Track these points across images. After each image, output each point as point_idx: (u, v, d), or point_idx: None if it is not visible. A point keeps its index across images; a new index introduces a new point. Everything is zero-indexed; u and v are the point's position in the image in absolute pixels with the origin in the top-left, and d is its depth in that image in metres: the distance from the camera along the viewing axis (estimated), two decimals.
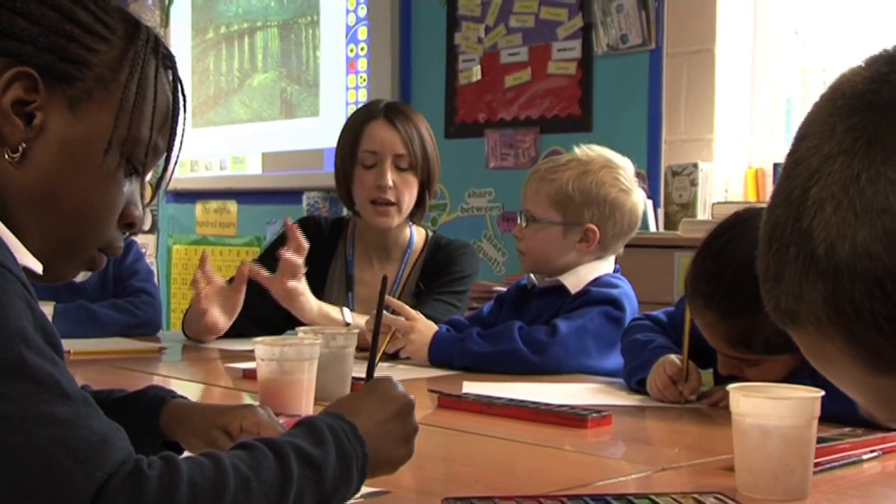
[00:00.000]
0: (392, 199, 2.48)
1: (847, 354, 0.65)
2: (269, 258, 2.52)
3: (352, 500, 1.15)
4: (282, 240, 2.57)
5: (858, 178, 0.62)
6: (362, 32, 4.63)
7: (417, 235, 2.63)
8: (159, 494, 0.81)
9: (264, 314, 2.53)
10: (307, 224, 2.64)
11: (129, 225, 1.06)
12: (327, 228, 2.66)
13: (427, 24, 4.44)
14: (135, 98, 1.01)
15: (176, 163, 1.08)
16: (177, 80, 1.08)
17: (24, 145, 0.96)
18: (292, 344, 1.63)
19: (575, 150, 2.26)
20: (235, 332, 2.40)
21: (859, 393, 0.68)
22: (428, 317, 2.31)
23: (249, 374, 1.90)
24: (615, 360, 2.13)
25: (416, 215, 2.57)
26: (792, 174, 0.66)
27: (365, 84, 4.62)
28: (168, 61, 1.06)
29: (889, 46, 0.67)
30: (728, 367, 1.68)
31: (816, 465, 1.22)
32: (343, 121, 2.72)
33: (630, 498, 1.13)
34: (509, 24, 4.17)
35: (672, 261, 3.18)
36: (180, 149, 1.08)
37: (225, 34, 5.26)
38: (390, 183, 2.47)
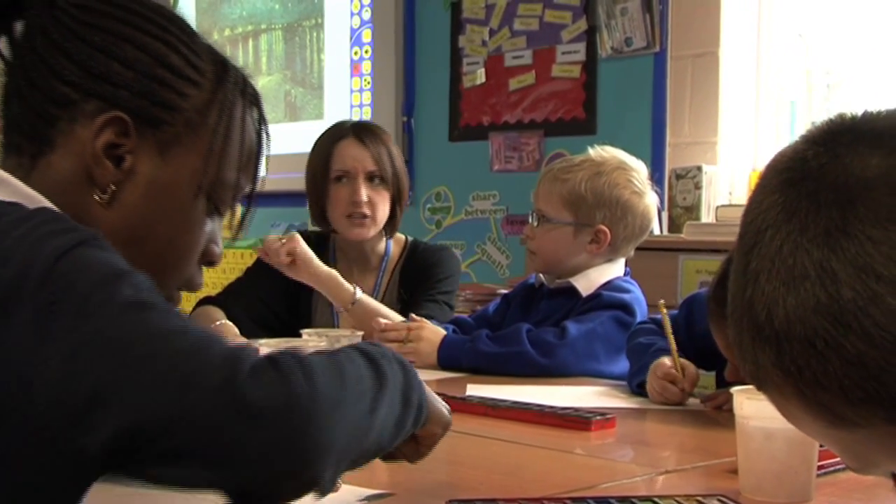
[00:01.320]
0: (367, 212, 2.53)
1: (805, 412, 0.70)
2: (257, 271, 2.59)
3: (356, 501, 1.15)
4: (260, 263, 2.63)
5: (781, 249, 0.68)
6: (366, 35, 4.64)
7: (394, 244, 2.68)
8: (298, 365, 0.84)
9: (271, 317, 2.56)
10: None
11: (210, 262, 1.09)
12: (314, 242, 2.69)
13: (431, 27, 4.44)
14: (223, 141, 1.03)
15: (257, 199, 1.10)
16: (262, 119, 1.09)
17: (113, 187, 0.98)
18: (295, 346, 1.64)
19: (589, 151, 2.26)
20: (243, 335, 2.41)
21: (829, 446, 0.74)
22: (429, 317, 2.33)
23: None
24: (624, 364, 2.13)
25: (389, 228, 2.61)
26: (739, 247, 0.73)
27: (369, 87, 4.63)
28: (254, 100, 1.08)
29: (822, 120, 0.74)
30: (736, 374, 1.68)
31: (820, 467, 1.22)
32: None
33: (633, 500, 1.13)
34: (513, 27, 4.17)
35: (676, 264, 3.18)
36: (262, 186, 1.11)
37: (229, 37, 5.26)
38: (365, 198, 2.52)
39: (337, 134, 2.60)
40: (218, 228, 1.09)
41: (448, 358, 2.19)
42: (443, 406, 1.12)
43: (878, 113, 0.71)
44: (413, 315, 2.29)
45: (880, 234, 0.65)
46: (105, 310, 0.83)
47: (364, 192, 2.52)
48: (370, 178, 2.54)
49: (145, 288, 0.87)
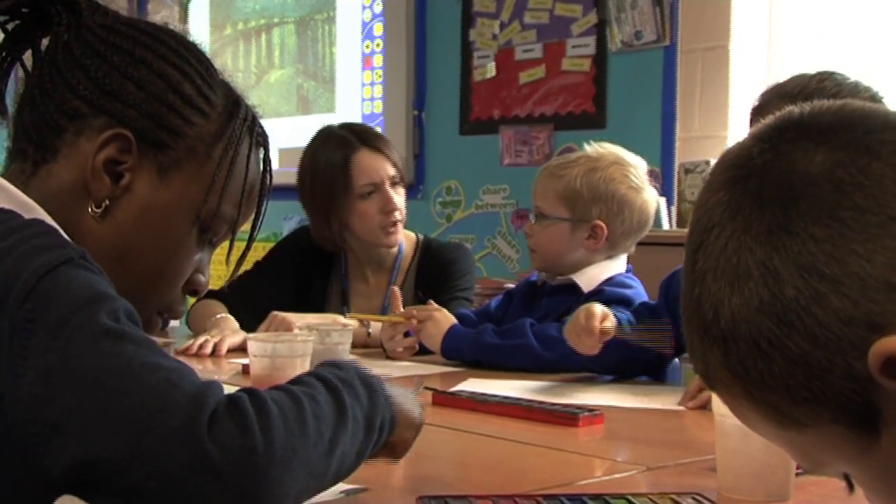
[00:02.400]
0: (399, 217, 2.54)
1: (755, 412, 0.70)
2: (265, 268, 2.57)
3: (329, 497, 1.15)
4: (278, 251, 2.61)
5: (726, 247, 0.67)
6: (378, 29, 4.63)
7: (406, 242, 2.66)
8: (255, 410, 0.84)
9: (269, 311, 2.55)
10: (300, 236, 2.68)
11: (194, 292, 1.10)
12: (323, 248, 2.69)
13: (442, 21, 4.44)
14: (225, 174, 1.04)
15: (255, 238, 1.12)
16: (267, 159, 1.11)
17: (107, 202, 1.00)
18: (284, 340, 1.64)
19: (586, 148, 2.26)
20: (243, 329, 2.41)
21: (781, 446, 0.73)
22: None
23: (247, 370, 1.91)
24: None
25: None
26: (687, 246, 0.72)
27: (380, 80, 4.63)
28: (262, 139, 1.10)
29: (771, 118, 0.72)
30: None
31: (799, 466, 1.21)
32: (358, 118, 2.73)
33: (606, 498, 1.12)
34: (524, 20, 4.16)
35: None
36: (262, 225, 1.11)
37: (242, 30, 5.28)
38: (399, 205, 2.52)
39: (343, 147, 2.54)
40: (207, 260, 1.10)
41: (451, 348, 2.19)
42: (415, 408, 1.13)
43: (826, 108, 0.70)
44: (431, 301, 2.29)
45: (822, 232, 0.64)
46: (80, 335, 0.84)
47: (395, 199, 2.52)
48: (392, 182, 2.54)
49: (124, 314, 0.87)
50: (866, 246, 0.63)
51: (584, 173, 2.19)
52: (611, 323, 1.81)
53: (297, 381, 0.96)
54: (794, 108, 0.71)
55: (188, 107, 1.02)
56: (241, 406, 0.84)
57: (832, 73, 1.77)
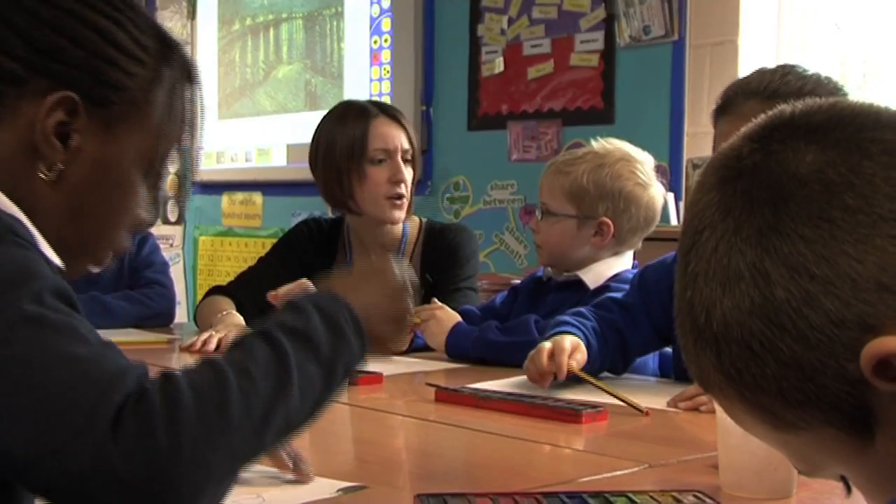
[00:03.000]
0: (405, 192, 2.50)
1: (749, 415, 0.69)
2: (270, 263, 2.57)
3: (327, 495, 1.14)
4: (282, 245, 2.61)
5: (717, 249, 0.67)
6: (386, 24, 4.63)
7: (410, 225, 2.64)
8: (164, 403, 0.82)
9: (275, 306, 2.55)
10: (303, 230, 2.67)
11: (139, 228, 1.09)
12: (326, 229, 2.67)
13: (450, 16, 4.42)
14: (166, 118, 1.04)
15: (197, 163, 1.11)
16: (199, 93, 1.10)
17: (61, 166, 0.98)
18: None
19: (592, 144, 2.24)
20: (249, 325, 2.41)
21: (777, 448, 0.72)
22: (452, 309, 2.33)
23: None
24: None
25: (407, 210, 2.59)
26: (679, 248, 0.71)
27: (388, 76, 4.62)
28: (194, 75, 1.09)
29: (762, 117, 0.71)
30: None
31: None
32: None
33: (607, 496, 1.12)
34: (532, 15, 4.14)
35: None
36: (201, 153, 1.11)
37: (251, 26, 5.27)
38: (407, 177, 2.48)
39: (363, 113, 2.54)
40: (151, 198, 1.08)
41: (455, 346, 2.18)
42: (392, 299, 1.11)
43: (818, 106, 0.69)
44: (434, 299, 2.28)
45: (813, 233, 0.63)
46: (1, 319, 0.82)
47: (405, 171, 2.50)
48: (404, 158, 2.52)
49: (50, 294, 0.85)
50: (857, 246, 0.62)
51: (590, 170, 2.17)
52: (579, 358, 1.79)
53: (237, 344, 0.93)
54: (784, 108, 0.70)
55: (125, 57, 1.00)
56: (149, 401, 0.81)
57: (794, 67, 1.74)
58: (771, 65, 1.86)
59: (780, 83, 1.70)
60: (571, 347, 1.78)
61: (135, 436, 0.80)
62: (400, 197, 2.50)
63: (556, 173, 2.23)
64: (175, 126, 1.05)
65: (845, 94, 1.71)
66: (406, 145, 2.52)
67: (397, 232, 2.60)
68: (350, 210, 2.58)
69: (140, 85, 1.01)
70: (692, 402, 1.64)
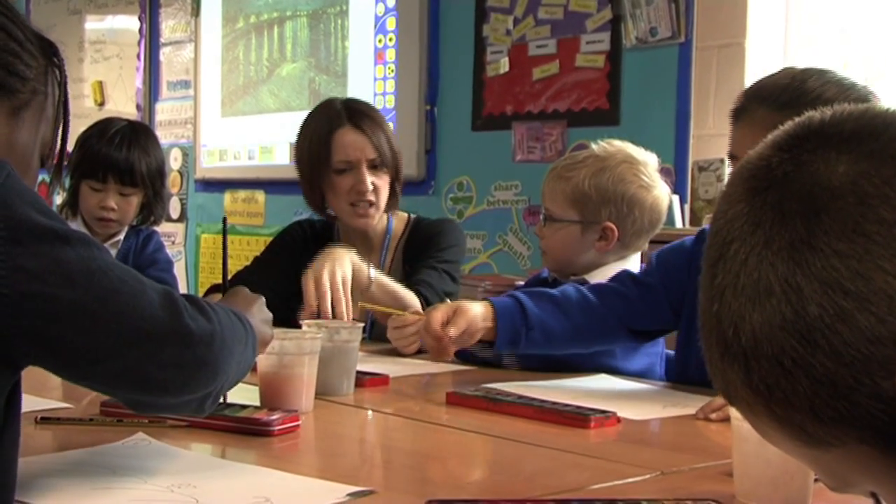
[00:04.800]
0: (372, 199, 2.51)
1: (777, 430, 0.67)
2: (264, 261, 2.57)
3: (335, 499, 1.13)
4: (276, 245, 2.60)
5: (746, 262, 0.65)
6: (391, 23, 4.61)
7: (396, 221, 2.65)
8: (209, 307, 1.08)
9: (279, 305, 2.52)
10: (294, 231, 2.68)
11: None
12: (319, 229, 2.67)
13: (455, 16, 4.41)
14: (56, 104, 1.18)
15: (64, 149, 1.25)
16: (65, 80, 1.22)
17: None
18: (292, 338, 1.61)
19: (593, 147, 2.21)
20: None
21: (806, 464, 0.71)
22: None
23: (254, 367, 1.89)
24: (639, 361, 2.11)
25: (389, 206, 2.59)
26: (706, 259, 0.70)
27: (393, 75, 4.60)
28: (62, 63, 1.21)
29: (789, 124, 0.69)
30: None
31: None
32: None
33: (621, 503, 1.10)
34: (538, 15, 4.13)
35: None
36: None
37: (255, 24, 5.25)
38: (370, 187, 2.50)
39: (331, 120, 2.53)
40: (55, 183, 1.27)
41: (464, 351, 2.15)
42: (265, 328, 1.37)
43: (848, 114, 0.67)
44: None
45: (847, 248, 0.61)
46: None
47: (368, 181, 2.49)
48: (371, 165, 2.51)
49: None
50: (893, 262, 0.61)
51: (591, 174, 2.14)
52: (459, 323, 1.82)
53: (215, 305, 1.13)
54: (813, 115, 0.68)
55: (24, 52, 1.12)
56: (198, 300, 1.08)
57: (817, 71, 1.71)
58: (778, 67, 1.84)
59: (795, 91, 1.67)
60: (448, 312, 1.84)
61: (200, 317, 1.05)
62: (367, 205, 2.51)
63: (557, 179, 2.20)
64: (60, 115, 1.19)
65: (872, 100, 1.67)
66: (372, 154, 2.50)
67: (381, 228, 2.61)
68: (328, 215, 2.62)
69: (36, 76, 1.14)
70: (723, 412, 1.58)
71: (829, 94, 1.63)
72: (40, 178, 1.23)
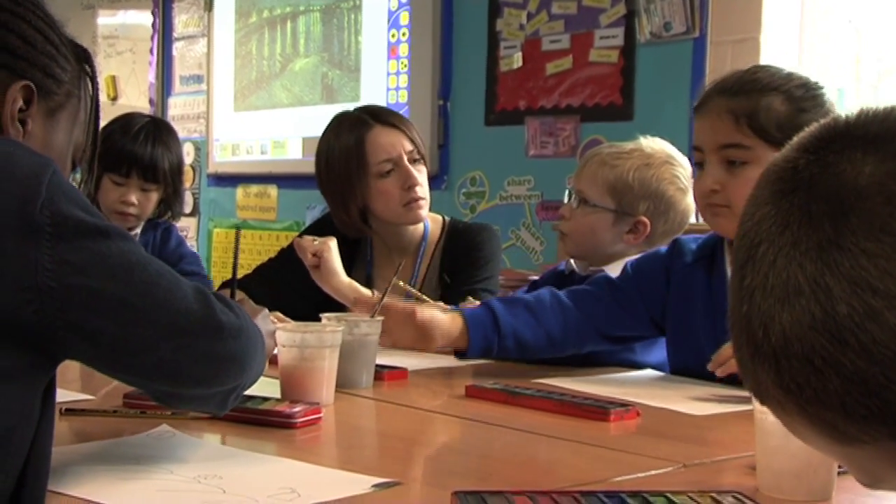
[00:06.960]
0: (422, 194, 2.47)
1: (809, 429, 0.68)
2: (289, 256, 2.55)
3: (361, 490, 1.13)
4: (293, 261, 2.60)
5: (775, 263, 0.66)
6: (404, 17, 4.61)
7: (432, 224, 2.60)
8: (236, 306, 1.13)
9: (297, 301, 2.51)
10: (328, 224, 2.60)
11: None
12: (350, 238, 2.64)
13: (469, 10, 4.40)
14: (89, 108, 1.22)
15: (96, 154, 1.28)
16: (97, 86, 1.26)
17: None
18: (313, 331, 1.62)
19: (640, 141, 2.26)
20: None
21: (838, 461, 0.72)
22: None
23: (273, 360, 1.89)
24: (657, 354, 2.12)
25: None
26: (735, 260, 0.70)
27: (406, 70, 4.60)
28: (94, 70, 1.25)
29: (814, 126, 0.70)
30: (716, 366, 1.66)
31: (841, 465, 1.19)
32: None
33: (645, 495, 1.10)
34: (551, 10, 4.12)
35: None
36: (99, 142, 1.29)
37: (268, 18, 5.26)
38: (420, 180, 2.46)
39: (357, 128, 2.49)
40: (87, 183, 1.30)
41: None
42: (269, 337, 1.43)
43: (873, 114, 0.67)
44: (440, 303, 2.25)
45: (875, 247, 0.62)
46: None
47: (416, 175, 2.46)
48: (412, 159, 2.48)
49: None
50: None
51: (637, 167, 2.18)
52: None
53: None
54: (838, 115, 0.69)
55: (59, 55, 1.15)
56: (222, 296, 1.11)
57: (767, 67, 1.83)
58: (793, 63, 1.92)
59: (746, 81, 1.78)
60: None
61: (229, 312, 1.10)
62: (417, 199, 2.47)
63: (601, 164, 2.23)
64: (92, 119, 1.22)
65: (823, 93, 1.86)
66: (409, 146, 2.47)
67: (418, 233, 2.57)
68: (364, 233, 2.56)
69: (71, 79, 1.17)
70: (727, 367, 1.64)
71: (777, 83, 1.76)
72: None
